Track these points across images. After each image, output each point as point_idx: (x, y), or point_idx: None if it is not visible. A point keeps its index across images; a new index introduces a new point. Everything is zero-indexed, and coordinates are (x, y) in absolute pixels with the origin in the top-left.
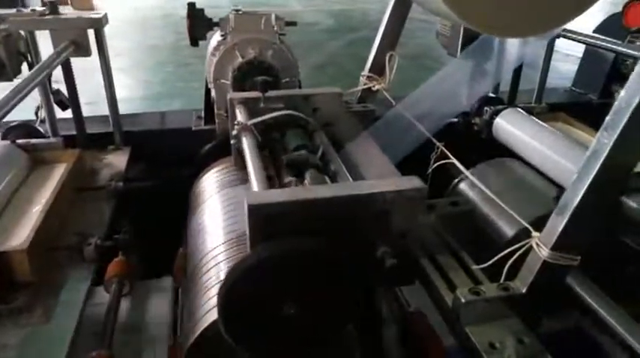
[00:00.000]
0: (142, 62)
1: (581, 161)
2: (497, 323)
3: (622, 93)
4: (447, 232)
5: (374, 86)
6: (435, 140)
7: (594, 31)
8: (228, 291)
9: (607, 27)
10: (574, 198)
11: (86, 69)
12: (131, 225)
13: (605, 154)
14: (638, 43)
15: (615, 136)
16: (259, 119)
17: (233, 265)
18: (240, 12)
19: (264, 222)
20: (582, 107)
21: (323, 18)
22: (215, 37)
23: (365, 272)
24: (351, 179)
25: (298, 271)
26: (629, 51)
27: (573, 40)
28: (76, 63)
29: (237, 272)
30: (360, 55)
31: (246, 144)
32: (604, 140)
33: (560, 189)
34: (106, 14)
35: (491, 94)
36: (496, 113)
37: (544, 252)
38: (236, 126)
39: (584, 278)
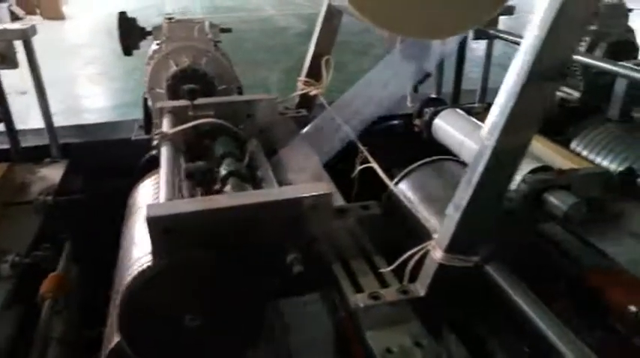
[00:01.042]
0: (112, 70)
1: None
2: (397, 327)
3: (499, 96)
4: (364, 236)
5: (311, 91)
6: (359, 144)
7: None
8: (125, 306)
9: None
10: (463, 199)
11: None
12: (72, 239)
13: (488, 155)
14: None
15: (496, 137)
16: (179, 128)
17: (129, 281)
18: (173, 20)
19: (164, 234)
20: None
21: (295, 22)
22: (152, 46)
23: (269, 282)
24: (276, 185)
25: (195, 283)
26: None
27: (507, 41)
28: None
29: (131, 288)
30: None
31: (163, 154)
32: (487, 142)
33: None
34: (33, 26)
35: (433, 95)
36: (436, 114)
37: (439, 255)
38: (156, 136)
39: (508, 274)
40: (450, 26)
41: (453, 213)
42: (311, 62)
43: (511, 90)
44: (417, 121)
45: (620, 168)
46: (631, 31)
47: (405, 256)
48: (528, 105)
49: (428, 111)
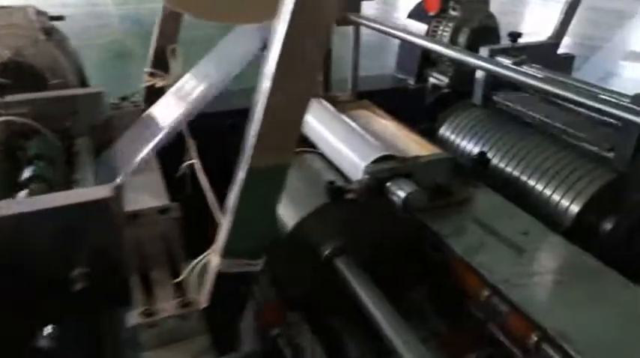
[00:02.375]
0: None
1: (366, 152)
2: (177, 344)
3: (259, 98)
4: (172, 242)
5: (157, 83)
6: (188, 136)
7: (408, 16)
8: None
9: (418, 11)
10: (234, 202)
11: None
12: None
13: (249, 159)
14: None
15: (255, 134)
16: None
17: None
18: None
19: None
20: (400, 92)
21: None
22: None
23: (47, 302)
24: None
25: None
26: (410, 37)
27: (368, 27)
28: None
29: None
30: None
31: None
32: (248, 143)
33: (330, 181)
34: None
35: None
36: None
37: (216, 261)
38: None
39: (355, 268)
40: (261, 11)
41: (227, 218)
42: (156, 53)
43: (262, 97)
44: None
45: (483, 149)
46: (492, 17)
47: (193, 264)
48: (278, 113)
49: None
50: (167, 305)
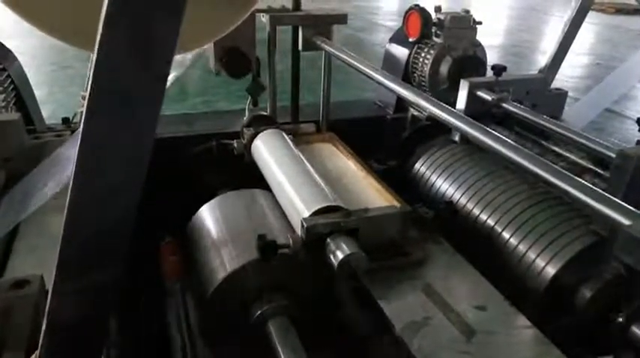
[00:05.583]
0: None
1: (311, 199)
2: None
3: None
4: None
5: None
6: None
7: (390, 40)
8: None
9: (401, 35)
10: (53, 285)
11: None
12: None
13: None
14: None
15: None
16: None
17: None
18: None
19: None
20: (377, 122)
21: None
22: None
23: None
24: None
25: None
26: (377, 75)
27: (334, 55)
28: None
29: None
30: None
31: None
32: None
33: (260, 236)
34: None
35: (263, 112)
36: (256, 135)
37: None
38: None
39: (286, 333)
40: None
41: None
42: None
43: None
44: (235, 142)
45: (457, 193)
46: (478, 45)
47: None
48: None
49: (247, 131)
50: None
